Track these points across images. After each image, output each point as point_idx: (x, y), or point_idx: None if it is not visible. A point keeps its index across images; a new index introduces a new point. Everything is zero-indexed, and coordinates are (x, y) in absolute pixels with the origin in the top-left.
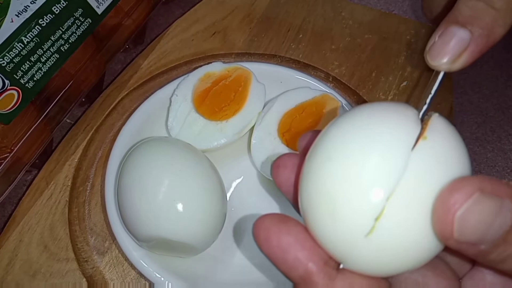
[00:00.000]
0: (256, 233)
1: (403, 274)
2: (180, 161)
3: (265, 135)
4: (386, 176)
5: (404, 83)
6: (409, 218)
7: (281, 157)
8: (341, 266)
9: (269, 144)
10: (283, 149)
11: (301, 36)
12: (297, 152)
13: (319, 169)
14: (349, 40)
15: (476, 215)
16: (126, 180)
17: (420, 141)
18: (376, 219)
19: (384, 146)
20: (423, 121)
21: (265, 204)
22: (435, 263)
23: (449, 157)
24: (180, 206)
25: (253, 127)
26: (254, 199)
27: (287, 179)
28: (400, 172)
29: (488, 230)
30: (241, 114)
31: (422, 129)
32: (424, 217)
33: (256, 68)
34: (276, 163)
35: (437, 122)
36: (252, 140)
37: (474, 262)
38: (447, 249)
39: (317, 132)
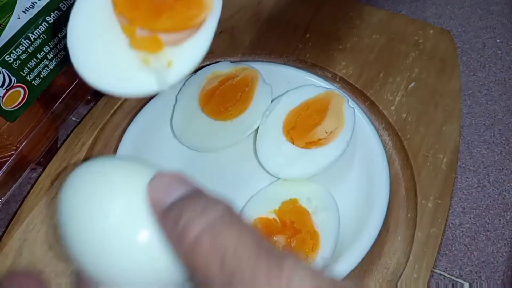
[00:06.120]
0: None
1: None
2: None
3: (271, 133)
4: None
5: (412, 84)
6: None
7: None
8: None
9: (275, 142)
10: (289, 147)
11: (308, 36)
12: None
13: None
14: (357, 40)
15: None
16: (67, 211)
17: None
18: None
19: None
20: None
21: None
22: None
23: None
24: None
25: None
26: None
27: None
28: None
29: None
30: (246, 114)
31: None
32: None
33: (263, 68)
34: None
35: None
36: (257, 138)
37: None
38: None
39: None
